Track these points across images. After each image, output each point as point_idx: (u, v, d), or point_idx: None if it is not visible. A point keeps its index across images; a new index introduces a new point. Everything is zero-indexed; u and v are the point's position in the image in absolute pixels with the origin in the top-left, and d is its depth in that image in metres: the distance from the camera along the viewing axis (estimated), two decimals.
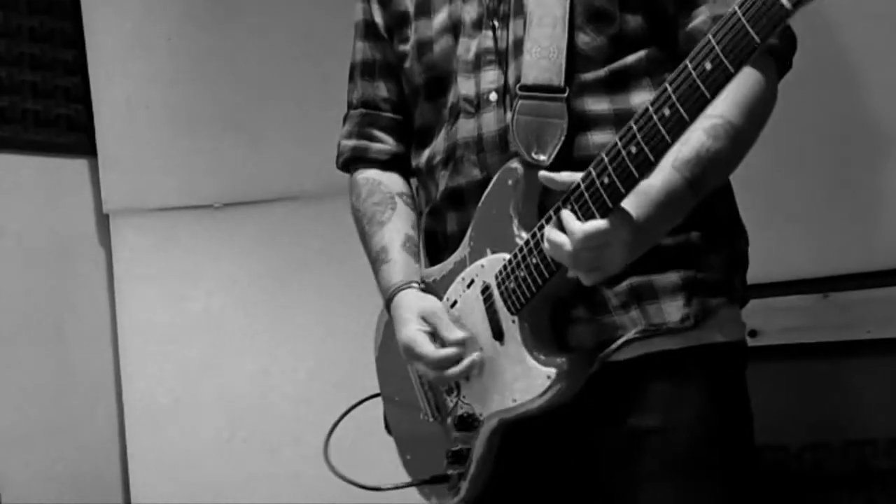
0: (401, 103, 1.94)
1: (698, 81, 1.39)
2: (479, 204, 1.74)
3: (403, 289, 1.84)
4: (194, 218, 3.27)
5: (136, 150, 3.26)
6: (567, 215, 1.52)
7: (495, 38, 1.75)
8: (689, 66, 1.40)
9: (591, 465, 1.73)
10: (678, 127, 1.42)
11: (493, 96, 1.73)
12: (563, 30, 1.66)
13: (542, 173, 1.58)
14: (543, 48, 1.67)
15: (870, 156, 2.47)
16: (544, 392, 1.63)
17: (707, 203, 1.63)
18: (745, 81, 1.59)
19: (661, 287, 1.67)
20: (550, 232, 1.54)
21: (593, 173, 1.50)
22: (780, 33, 1.60)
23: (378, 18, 1.92)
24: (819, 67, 2.36)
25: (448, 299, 1.79)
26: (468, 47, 1.77)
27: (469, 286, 1.75)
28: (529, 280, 1.63)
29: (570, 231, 1.50)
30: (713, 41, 1.37)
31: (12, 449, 3.02)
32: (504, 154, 1.71)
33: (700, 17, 1.65)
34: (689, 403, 1.68)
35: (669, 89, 1.42)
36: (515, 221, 1.68)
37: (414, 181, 1.97)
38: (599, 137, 1.66)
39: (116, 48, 3.27)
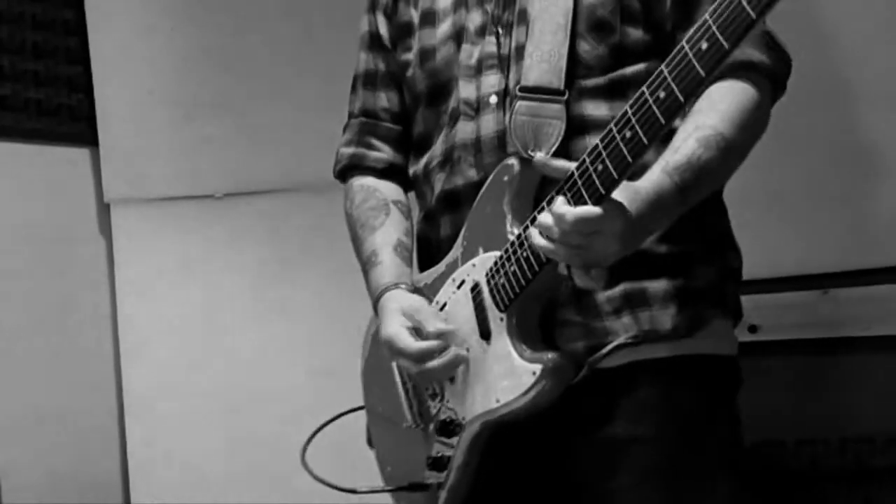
0: (401, 114, 1.94)
1: (694, 61, 1.39)
2: (474, 203, 1.74)
3: (391, 289, 1.83)
4: (195, 208, 3.27)
5: (138, 139, 3.27)
6: (560, 200, 1.51)
7: (498, 44, 1.75)
8: (686, 46, 1.40)
9: (576, 473, 1.71)
10: (674, 107, 1.42)
11: (494, 99, 1.73)
12: (565, 37, 1.67)
13: (538, 157, 1.58)
14: (544, 52, 1.67)
15: (869, 153, 2.47)
16: (528, 390, 1.61)
17: (700, 219, 1.64)
18: (740, 98, 1.60)
19: (654, 294, 1.67)
20: (541, 216, 1.53)
21: (587, 161, 1.50)
22: (775, 56, 1.63)
23: (383, 30, 1.93)
24: (819, 67, 2.36)
25: (437, 302, 1.78)
26: (471, 53, 1.78)
27: (459, 286, 1.74)
28: (519, 274, 1.62)
29: (560, 213, 1.49)
30: (710, 20, 1.37)
31: (13, 437, 3.03)
32: (502, 155, 1.71)
33: None
34: (676, 412, 1.67)
35: (665, 71, 1.42)
36: (509, 217, 1.67)
37: (411, 194, 1.96)
38: (596, 141, 1.66)
39: (119, 38, 3.27)
